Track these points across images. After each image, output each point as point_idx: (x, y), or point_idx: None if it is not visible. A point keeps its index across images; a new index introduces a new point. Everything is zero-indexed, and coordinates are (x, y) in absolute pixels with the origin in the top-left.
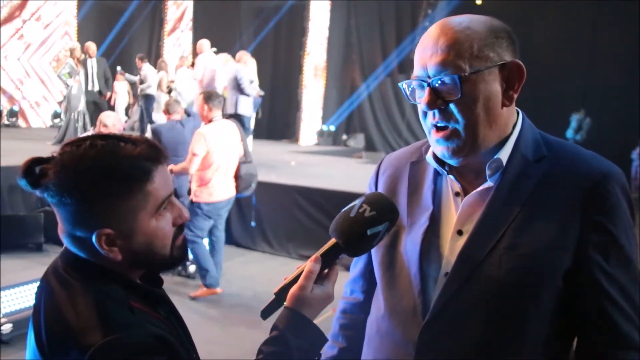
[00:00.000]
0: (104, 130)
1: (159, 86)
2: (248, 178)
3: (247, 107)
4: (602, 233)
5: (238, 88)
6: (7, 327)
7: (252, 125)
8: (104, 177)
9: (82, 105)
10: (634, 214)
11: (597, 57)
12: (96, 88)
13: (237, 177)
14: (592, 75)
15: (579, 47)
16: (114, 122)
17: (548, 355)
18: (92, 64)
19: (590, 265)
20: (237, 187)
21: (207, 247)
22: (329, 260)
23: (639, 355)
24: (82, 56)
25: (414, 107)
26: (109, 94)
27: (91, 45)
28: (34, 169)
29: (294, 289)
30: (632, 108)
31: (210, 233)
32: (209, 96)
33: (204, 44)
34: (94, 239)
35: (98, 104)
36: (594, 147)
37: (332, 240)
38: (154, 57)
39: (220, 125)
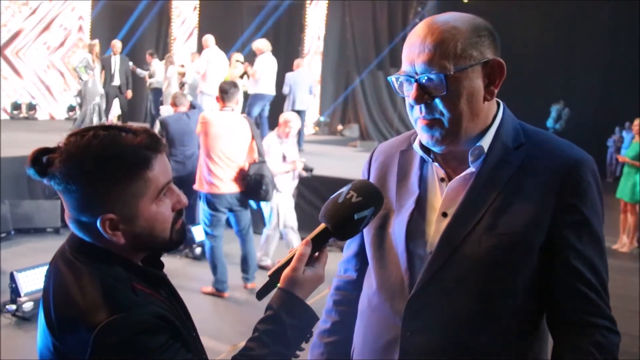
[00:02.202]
0: None
1: (167, 80)
2: (258, 179)
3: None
4: (575, 214)
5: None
6: (28, 305)
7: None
8: (106, 165)
9: (98, 99)
10: (602, 197)
11: (575, 51)
12: (117, 83)
13: (246, 176)
14: (571, 68)
15: (559, 42)
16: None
17: (525, 326)
18: (116, 60)
19: (564, 242)
20: (246, 188)
21: (216, 245)
22: (319, 244)
23: (605, 321)
24: (97, 53)
25: (405, 99)
26: (129, 93)
27: (117, 44)
28: (41, 159)
29: (286, 271)
30: (608, 99)
31: (237, 228)
32: (222, 88)
33: (209, 39)
34: (98, 223)
35: (118, 98)
36: (572, 136)
37: (322, 225)
38: (162, 53)
39: (226, 115)
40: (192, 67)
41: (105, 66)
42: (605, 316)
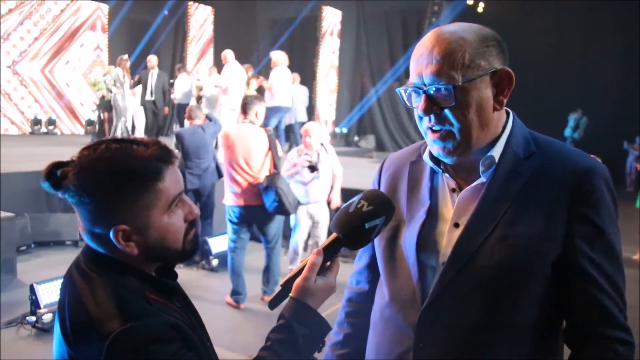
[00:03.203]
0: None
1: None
2: (270, 190)
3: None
4: (588, 224)
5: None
6: (47, 317)
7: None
8: (118, 177)
9: (129, 114)
10: (617, 206)
11: (592, 58)
12: (152, 98)
13: (263, 188)
14: (587, 75)
15: (575, 50)
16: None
17: (539, 337)
18: (153, 75)
19: (577, 253)
20: (263, 200)
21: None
22: (330, 253)
23: (621, 332)
24: (127, 68)
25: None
26: (166, 109)
27: (152, 58)
28: (55, 172)
29: (298, 281)
30: (626, 107)
31: (264, 240)
32: (243, 101)
33: (229, 54)
34: (111, 235)
35: (155, 114)
36: (591, 145)
37: (333, 235)
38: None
39: (244, 128)
40: (210, 81)
41: (142, 80)
42: (621, 327)
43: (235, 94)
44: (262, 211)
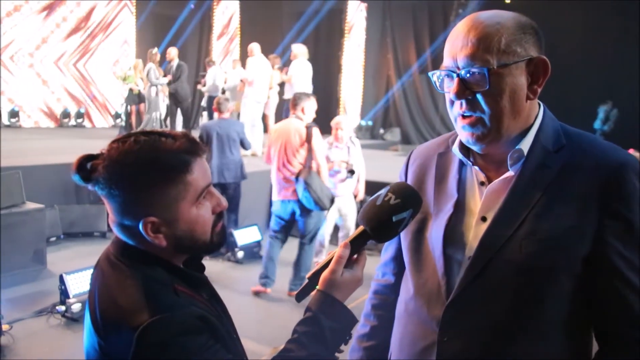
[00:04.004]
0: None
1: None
2: (303, 186)
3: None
4: (619, 219)
5: None
6: (76, 307)
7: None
8: (147, 170)
9: (162, 108)
10: None
11: (623, 49)
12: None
13: (298, 183)
14: (618, 66)
15: (604, 41)
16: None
17: (565, 334)
18: (173, 67)
19: (608, 250)
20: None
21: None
22: (357, 246)
23: None
24: (157, 62)
25: (445, 96)
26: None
27: (171, 50)
28: (85, 165)
29: (325, 273)
30: None
31: (299, 234)
32: (293, 97)
33: (255, 47)
34: (140, 227)
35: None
36: (621, 138)
37: (360, 228)
38: (204, 59)
39: (286, 123)
40: (234, 74)
41: (165, 73)
42: None
43: (260, 86)
44: (301, 206)
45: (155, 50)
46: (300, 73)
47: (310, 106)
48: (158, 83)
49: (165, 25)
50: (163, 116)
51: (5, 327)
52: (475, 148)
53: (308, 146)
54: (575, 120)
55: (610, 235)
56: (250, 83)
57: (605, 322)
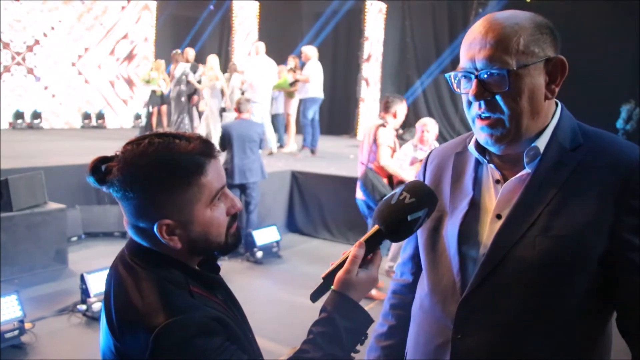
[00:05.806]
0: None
1: (231, 87)
2: (362, 184)
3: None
4: (637, 216)
5: None
6: (97, 306)
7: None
8: (161, 172)
9: (186, 109)
10: None
11: None
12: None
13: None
14: (639, 66)
15: (626, 40)
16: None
17: (580, 331)
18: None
19: (626, 246)
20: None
21: None
22: (372, 246)
23: None
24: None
25: (462, 97)
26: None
27: (190, 51)
28: (100, 167)
29: (340, 273)
30: None
31: None
32: (384, 100)
33: (260, 46)
34: (155, 229)
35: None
36: None
37: (375, 227)
38: (224, 60)
39: (371, 124)
40: (235, 77)
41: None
42: None
43: (261, 88)
44: (367, 203)
45: (179, 51)
46: (316, 73)
47: (402, 110)
48: (195, 82)
49: (185, 27)
50: (193, 121)
51: (28, 325)
52: (493, 149)
53: (372, 145)
54: (597, 119)
55: (627, 231)
56: (251, 85)
57: (626, 318)
